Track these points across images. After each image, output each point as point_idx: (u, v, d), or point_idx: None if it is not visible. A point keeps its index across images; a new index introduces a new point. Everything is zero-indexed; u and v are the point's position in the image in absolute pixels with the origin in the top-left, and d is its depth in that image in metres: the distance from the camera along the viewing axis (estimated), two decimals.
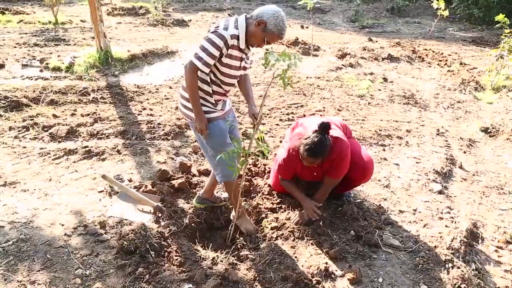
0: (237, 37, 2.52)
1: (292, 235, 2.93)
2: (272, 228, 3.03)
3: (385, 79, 7.12)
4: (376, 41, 10.53)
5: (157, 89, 6.03)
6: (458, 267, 2.68)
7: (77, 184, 3.53)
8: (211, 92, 2.67)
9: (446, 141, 4.91)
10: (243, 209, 3.09)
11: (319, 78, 7.02)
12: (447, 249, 2.86)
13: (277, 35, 2.55)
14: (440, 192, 3.73)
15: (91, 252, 2.71)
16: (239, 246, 2.96)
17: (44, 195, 3.33)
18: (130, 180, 3.61)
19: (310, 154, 2.71)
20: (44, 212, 3.09)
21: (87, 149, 4.05)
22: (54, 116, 4.78)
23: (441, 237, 3.02)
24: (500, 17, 6.92)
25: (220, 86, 2.70)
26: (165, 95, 5.77)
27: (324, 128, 2.75)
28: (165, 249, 2.77)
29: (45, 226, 2.93)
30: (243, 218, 3.09)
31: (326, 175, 3.01)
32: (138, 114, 5.04)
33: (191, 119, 2.75)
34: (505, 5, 13.31)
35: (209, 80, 2.64)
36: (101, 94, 5.59)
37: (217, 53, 2.47)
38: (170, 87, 6.14)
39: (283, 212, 3.24)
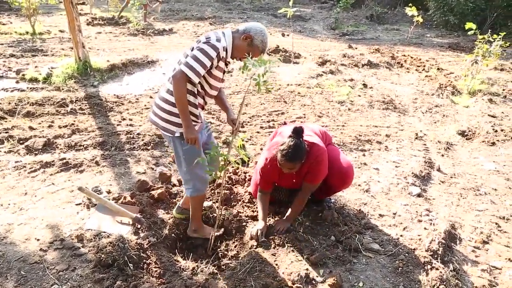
0: (226, 50, 2.56)
1: (272, 242, 2.92)
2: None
3: (364, 85, 7.22)
4: (356, 48, 10.70)
5: (137, 99, 5.98)
6: (437, 269, 2.71)
7: (54, 197, 3.46)
8: (197, 104, 2.65)
9: (425, 144, 4.99)
10: (201, 222, 3.12)
11: (299, 85, 7.08)
12: (426, 251, 2.89)
13: (261, 51, 2.66)
14: (419, 195, 3.79)
15: (67, 267, 2.65)
16: (220, 255, 2.94)
17: (19, 209, 3.25)
18: (108, 192, 3.55)
19: (288, 159, 2.72)
20: (18, 227, 3.01)
21: (64, 161, 3.97)
22: (31, 128, 4.68)
23: (420, 239, 3.05)
24: (469, 25, 7.13)
25: (204, 98, 2.71)
26: (145, 105, 5.72)
27: (297, 132, 2.77)
28: (144, 261, 2.73)
29: (20, 241, 2.85)
30: (204, 230, 3.12)
31: (304, 180, 3.01)
32: (118, 125, 4.98)
33: (170, 132, 2.70)
34: (479, 12, 13.74)
35: (196, 92, 2.62)
36: (80, 105, 5.51)
37: (209, 64, 2.48)
38: (151, 97, 6.09)
39: None
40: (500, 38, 7.07)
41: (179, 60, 2.65)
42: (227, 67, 2.74)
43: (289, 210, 3.11)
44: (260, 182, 3.11)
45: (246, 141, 4.74)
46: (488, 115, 6.04)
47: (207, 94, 2.70)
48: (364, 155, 4.57)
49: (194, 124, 2.65)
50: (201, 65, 2.45)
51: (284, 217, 3.11)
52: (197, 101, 2.64)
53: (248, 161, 4.16)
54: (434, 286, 2.57)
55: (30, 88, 5.99)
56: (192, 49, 2.55)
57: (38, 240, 2.88)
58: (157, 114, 2.72)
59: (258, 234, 2.95)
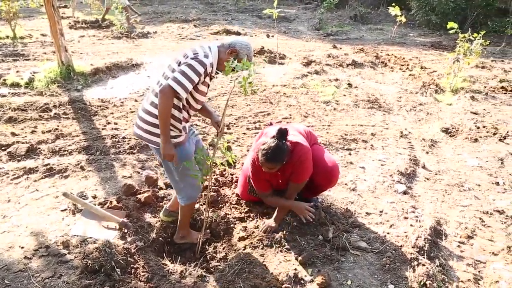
0: (212, 65, 2.56)
1: (261, 243, 2.92)
2: (240, 238, 3.02)
3: (349, 85, 7.28)
4: (341, 48, 10.78)
5: (122, 102, 5.92)
6: (423, 265, 2.75)
7: (38, 203, 3.40)
8: (181, 118, 2.63)
9: (409, 142, 5.06)
10: (188, 229, 3.11)
11: (285, 85, 7.11)
12: (412, 247, 2.93)
13: None
14: (404, 193, 3.84)
15: (53, 274, 2.60)
16: (208, 258, 2.93)
17: (2, 217, 3.18)
18: (94, 197, 3.51)
19: (267, 159, 2.73)
20: (2, 235, 2.95)
21: (48, 167, 3.91)
22: (13, 134, 4.59)
23: (406, 236, 3.09)
24: (451, 24, 7.27)
25: (188, 112, 2.71)
26: (130, 108, 5.67)
27: (281, 133, 2.78)
28: (132, 265, 2.70)
29: (3, 250, 2.80)
30: (191, 235, 3.11)
31: (289, 180, 3.03)
32: (102, 129, 4.93)
33: (156, 145, 2.67)
34: (459, 11, 14.00)
35: (181, 107, 2.61)
36: (63, 109, 5.43)
37: (197, 80, 2.48)
38: (136, 100, 6.04)
39: (251, 221, 3.23)
40: (480, 37, 7.21)
41: (163, 73, 2.63)
42: (211, 81, 2.76)
43: (276, 210, 3.12)
44: (258, 187, 3.11)
45: (233, 143, 4.73)
46: (471, 112, 6.16)
47: (191, 108, 2.70)
48: (350, 154, 4.61)
49: (178, 135, 2.65)
50: (189, 81, 2.45)
51: (272, 218, 3.12)
52: (181, 115, 2.63)
53: (235, 162, 4.16)
54: (421, 282, 2.61)
55: (12, 93, 5.88)
56: (179, 64, 2.54)
57: (22, 247, 2.83)
58: (141, 127, 2.69)
59: (310, 210, 3.07)
